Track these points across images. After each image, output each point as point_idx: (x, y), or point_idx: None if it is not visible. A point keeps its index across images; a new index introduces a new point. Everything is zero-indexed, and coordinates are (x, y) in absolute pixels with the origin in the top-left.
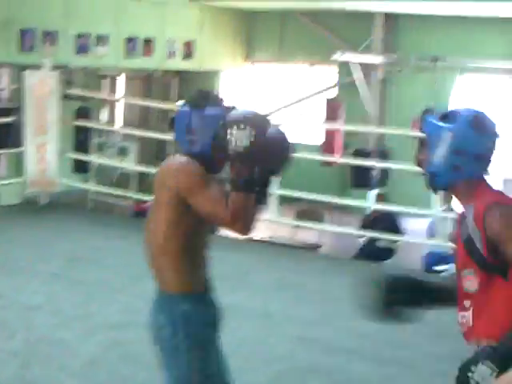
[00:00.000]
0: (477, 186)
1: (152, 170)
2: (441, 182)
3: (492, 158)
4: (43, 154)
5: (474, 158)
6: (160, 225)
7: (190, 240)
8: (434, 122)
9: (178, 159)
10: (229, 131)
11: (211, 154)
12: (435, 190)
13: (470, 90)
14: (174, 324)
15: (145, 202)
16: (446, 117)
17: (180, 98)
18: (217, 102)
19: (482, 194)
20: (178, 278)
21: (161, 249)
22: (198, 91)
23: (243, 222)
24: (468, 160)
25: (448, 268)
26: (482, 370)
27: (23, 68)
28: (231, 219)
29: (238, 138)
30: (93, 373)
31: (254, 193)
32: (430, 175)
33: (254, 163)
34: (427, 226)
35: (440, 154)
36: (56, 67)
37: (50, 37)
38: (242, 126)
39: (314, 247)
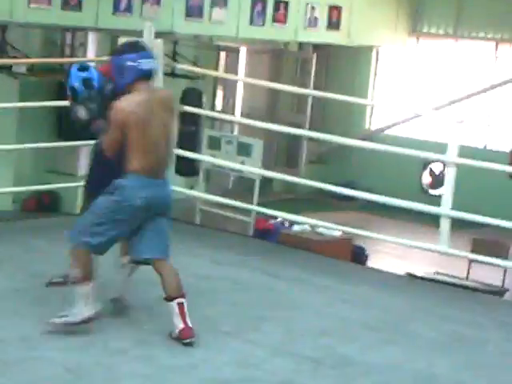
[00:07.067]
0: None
1: (280, 175)
2: None
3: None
4: None
5: None
6: (171, 134)
7: None
8: None
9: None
10: None
11: None
12: None
13: None
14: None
15: (269, 217)
16: None
17: (319, 79)
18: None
19: None
20: None
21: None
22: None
23: None
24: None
25: None
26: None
27: (116, 34)
28: None
29: None
30: None
31: None
32: None
33: None
34: None
35: None
36: (159, 34)
37: None
38: None
39: (497, 291)
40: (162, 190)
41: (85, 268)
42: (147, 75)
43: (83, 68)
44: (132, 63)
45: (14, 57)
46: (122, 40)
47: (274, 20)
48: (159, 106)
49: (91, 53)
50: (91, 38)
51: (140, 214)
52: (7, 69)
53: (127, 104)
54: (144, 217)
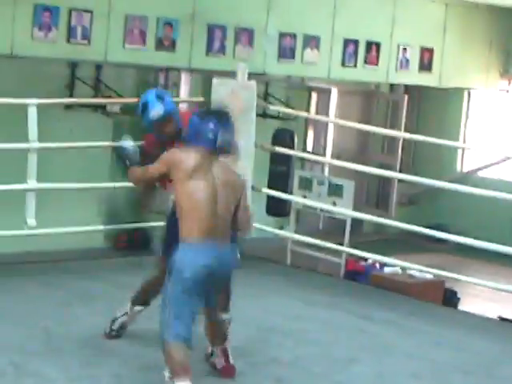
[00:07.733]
0: None
1: (370, 217)
2: None
3: None
4: None
5: None
6: (231, 209)
7: None
8: None
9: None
10: None
11: None
12: None
13: None
14: None
15: (360, 259)
16: None
17: (410, 122)
18: None
19: None
20: None
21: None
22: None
23: None
24: None
25: None
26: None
27: (209, 75)
28: None
29: None
30: None
31: None
32: None
33: None
34: None
35: None
36: (251, 75)
37: (246, 35)
38: None
39: None
40: (221, 256)
41: (182, 363)
42: (218, 149)
43: (160, 97)
44: (210, 135)
45: (109, 96)
46: (215, 81)
47: (366, 62)
48: (218, 173)
49: (184, 92)
50: (184, 79)
51: (202, 283)
52: (102, 108)
53: (183, 151)
54: (208, 281)
